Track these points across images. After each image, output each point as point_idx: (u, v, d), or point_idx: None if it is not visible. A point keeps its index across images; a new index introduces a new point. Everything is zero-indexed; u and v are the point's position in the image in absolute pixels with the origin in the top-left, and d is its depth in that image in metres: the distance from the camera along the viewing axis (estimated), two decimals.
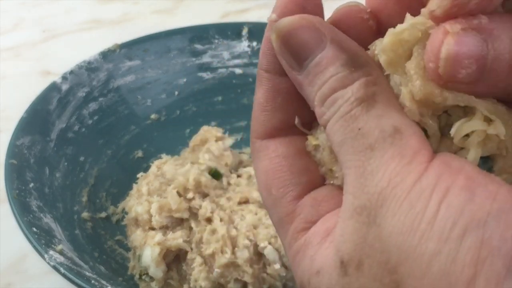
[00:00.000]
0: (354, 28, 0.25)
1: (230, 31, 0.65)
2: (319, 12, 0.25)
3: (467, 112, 0.23)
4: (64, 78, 0.58)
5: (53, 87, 0.57)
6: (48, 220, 0.47)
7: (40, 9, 0.84)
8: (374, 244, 0.21)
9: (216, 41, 0.64)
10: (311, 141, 0.25)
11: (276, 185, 0.25)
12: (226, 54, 0.64)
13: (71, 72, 0.59)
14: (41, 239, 0.44)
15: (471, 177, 0.21)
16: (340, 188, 0.25)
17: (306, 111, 0.25)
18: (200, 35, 0.65)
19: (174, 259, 0.49)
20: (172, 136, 0.61)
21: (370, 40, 0.25)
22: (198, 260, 0.47)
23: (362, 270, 0.21)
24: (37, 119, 0.54)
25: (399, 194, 0.21)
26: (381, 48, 0.23)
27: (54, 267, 0.42)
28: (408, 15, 0.23)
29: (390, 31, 0.23)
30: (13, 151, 0.50)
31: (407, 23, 0.23)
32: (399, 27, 0.23)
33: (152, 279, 0.49)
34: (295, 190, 0.25)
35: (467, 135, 0.23)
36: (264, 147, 0.26)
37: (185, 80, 0.63)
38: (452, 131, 0.23)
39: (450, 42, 0.21)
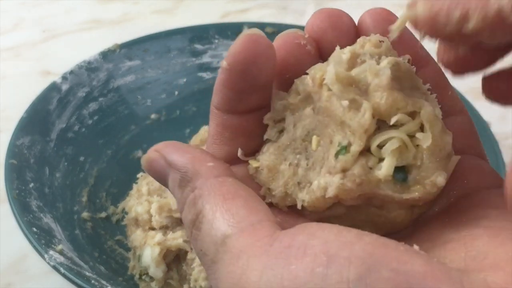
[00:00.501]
0: (292, 53, 0.26)
1: (230, 31, 0.65)
2: (270, 53, 0.25)
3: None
4: (64, 78, 0.58)
5: (53, 87, 0.57)
6: (48, 220, 0.47)
7: (40, 9, 0.84)
8: None
9: (216, 41, 0.64)
10: (252, 164, 0.27)
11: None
12: (226, 54, 0.64)
13: (71, 72, 0.59)
14: (41, 239, 0.44)
15: (318, 251, 0.20)
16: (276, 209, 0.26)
17: (251, 143, 0.27)
18: (200, 35, 0.65)
19: (174, 259, 0.49)
20: (172, 136, 0.61)
21: (309, 64, 0.26)
22: (198, 260, 0.47)
23: None
24: (37, 119, 0.54)
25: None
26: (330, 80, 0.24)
27: (54, 267, 0.42)
28: (336, 48, 0.25)
29: (331, 59, 0.25)
30: (13, 151, 0.50)
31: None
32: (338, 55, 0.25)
33: (152, 279, 0.49)
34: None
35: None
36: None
37: (185, 80, 0.63)
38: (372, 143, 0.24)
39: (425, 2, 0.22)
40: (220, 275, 0.22)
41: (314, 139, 0.25)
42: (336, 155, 0.24)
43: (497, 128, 0.55)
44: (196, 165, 0.25)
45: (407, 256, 0.20)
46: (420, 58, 0.26)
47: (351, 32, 0.26)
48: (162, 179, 0.26)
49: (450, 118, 0.27)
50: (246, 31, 0.25)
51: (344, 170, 0.23)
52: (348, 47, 0.25)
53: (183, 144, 0.27)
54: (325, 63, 0.25)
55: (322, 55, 0.26)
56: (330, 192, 0.23)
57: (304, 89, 0.25)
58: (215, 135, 0.27)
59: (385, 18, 0.26)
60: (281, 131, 0.26)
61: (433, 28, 0.22)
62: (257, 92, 0.26)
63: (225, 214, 0.23)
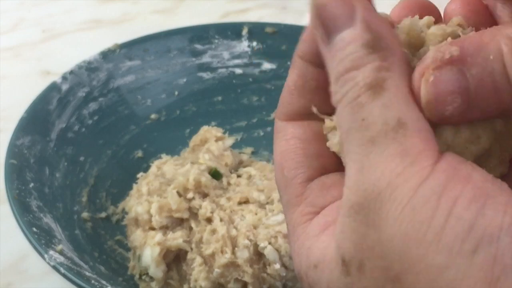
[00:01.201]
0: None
1: (230, 31, 0.65)
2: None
3: None
4: (64, 78, 0.58)
5: (53, 87, 0.57)
6: (48, 220, 0.47)
7: (40, 9, 0.84)
8: (374, 247, 0.20)
9: (216, 41, 0.65)
10: (328, 124, 0.25)
11: (288, 166, 0.25)
12: (226, 54, 0.64)
13: (71, 72, 0.59)
14: (41, 239, 0.44)
15: (480, 187, 0.20)
16: None
17: (329, 102, 0.24)
18: (200, 35, 0.65)
19: (174, 259, 0.49)
20: (172, 136, 0.61)
21: None
22: (198, 260, 0.47)
23: (363, 272, 0.21)
24: (37, 119, 0.54)
25: (400, 198, 0.20)
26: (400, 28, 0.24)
27: (54, 267, 0.42)
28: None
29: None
30: (13, 151, 0.50)
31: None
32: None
33: (152, 279, 0.49)
34: (307, 172, 0.25)
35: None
36: (283, 128, 0.26)
37: (185, 80, 0.63)
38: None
39: (426, 86, 0.21)
40: (373, 159, 0.21)
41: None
42: None
43: None
44: (392, 40, 0.23)
45: None
46: None
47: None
48: (330, 26, 0.23)
49: None
50: None
51: None
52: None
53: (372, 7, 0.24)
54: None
55: None
56: None
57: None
58: (293, 86, 0.25)
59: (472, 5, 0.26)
60: None
61: None
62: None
63: (408, 102, 0.21)
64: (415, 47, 0.24)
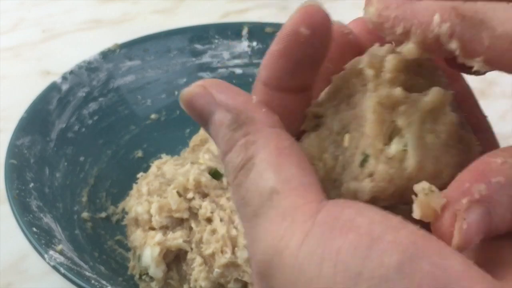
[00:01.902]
0: (335, 41, 0.25)
1: (230, 31, 0.65)
2: (329, 25, 0.25)
3: None
4: (64, 78, 0.58)
5: (53, 87, 0.57)
6: (48, 220, 0.47)
7: (40, 9, 0.84)
8: None
9: (216, 41, 0.65)
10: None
11: None
12: (226, 54, 0.64)
13: (71, 72, 0.59)
14: (41, 239, 0.44)
15: (364, 232, 0.20)
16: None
17: (292, 128, 0.25)
18: (200, 35, 0.65)
19: (174, 259, 0.49)
20: (172, 136, 0.61)
21: (348, 56, 0.26)
22: (198, 260, 0.47)
23: None
24: (37, 119, 0.54)
25: (287, 261, 0.20)
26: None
27: (54, 267, 0.42)
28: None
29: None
30: (13, 151, 0.50)
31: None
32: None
33: (152, 279, 0.49)
34: None
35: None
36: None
37: (185, 80, 0.63)
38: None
39: (460, 233, 0.21)
40: (259, 231, 0.22)
41: (346, 136, 0.24)
42: (361, 164, 0.23)
43: (497, 128, 0.54)
44: (251, 110, 0.24)
45: (447, 251, 0.19)
46: (451, 73, 0.26)
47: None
48: (201, 117, 0.25)
49: (477, 135, 0.26)
50: (304, 3, 0.24)
51: (371, 175, 0.23)
52: (386, 46, 0.25)
53: (229, 84, 0.26)
54: (364, 56, 0.25)
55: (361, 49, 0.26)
56: (363, 197, 0.23)
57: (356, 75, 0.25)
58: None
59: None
60: (317, 126, 0.26)
61: (381, 32, 0.23)
62: (312, 67, 0.25)
63: (277, 168, 0.22)
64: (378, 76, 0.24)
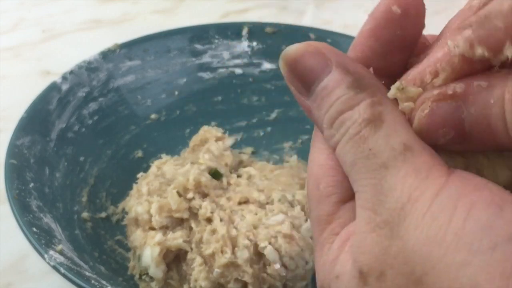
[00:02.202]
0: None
1: (230, 31, 0.65)
2: (423, 9, 0.25)
3: None
4: (64, 78, 0.58)
5: (53, 87, 0.57)
6: (48, 220, 0.47)
7: (40, 9, 0.84)
8: (397, 256, 0.21)
9: (216, 41, 0.65)
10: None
11: (326, 182, 0.25)
12: (226, 54, 0.64)
13: (71, 72, 0.59)
14: (41, 239, 0.44)
15: (496, 193, 0.21)
16: None
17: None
18: (200, 35, 0.65)
19: (174, 259, 0.49)
20: (172, 136, 0.61)
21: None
22: (198, 260, 0.47)
23: (384, 280, 0.22)
24: (37, 119, 0.54)
25: (420, 208, 0.21)
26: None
27: (54, 267, 0.42)
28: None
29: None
30: (13, 151, 0.50)
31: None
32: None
33: (152, 279, 0.49)
34: (344, 193, 0.25)
35: None
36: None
37: (185, 80, 0.63)
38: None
39: (420, 116, 0.23)
40: (389, 180, 0.22)
41: None
42: None
43: None
44: (372, 76, 0.24)
45: None
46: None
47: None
48: (308, 77, 0.24)
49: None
50: None
51: None
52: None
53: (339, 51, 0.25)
54: None
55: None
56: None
57: None
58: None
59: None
60: None
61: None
62: (402, 50, 0.25)
63: (409, 129, 0.23)
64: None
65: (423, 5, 0.24)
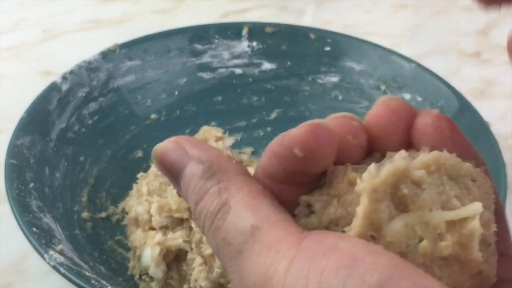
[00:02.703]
0: (342, 144, 0.25)
1: (230, 31, 0.65)
2: (333, 147, 0.25)
3: None
4: (64, 78, 0.58)
5: (53, 87, 0.57)
6: (48, 220, 0.47)
7: (40, 9, 0.84)
8: None
9: (216, 41, 0.65)
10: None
11: None
12: (226, 54, 0.64)
13: (71, 72, 0.59)
14: (41, 239, 0.44)
15: (346, 253, 0.21)
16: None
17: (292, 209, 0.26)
18: (200, 35, 0.65)
19: (174, 259, 0.49)
20: (172, 136, 0.61)
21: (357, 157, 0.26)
22: (198, 260, 0.47)
23: None
24: (37, 119, 0.54)
25: (275, 285, 0.21)
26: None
27: (54, 267, 0.42)
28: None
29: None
30: (13, 151, 0.50)
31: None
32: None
33: (152, 279, 0.49)
34: None
35: None
36: None
37: (185, 80, 0.63)
38: None
39: None
40: (246, 265, 0.22)
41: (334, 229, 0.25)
42: None
43: (497, 128, 0.55)
44: (222, 161, 0.25)
45: (425, 274, 0.20)
46: None
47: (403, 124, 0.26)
48: (173, 171, 0.26)
49: None
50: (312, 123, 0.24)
51: None
52: (421, 159, 0.24)
53: (201, 141, 0.27)
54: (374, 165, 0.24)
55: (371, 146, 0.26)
56: None
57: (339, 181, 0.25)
58: None
59: (447, 128, 0.25)
60: (311, 212, 0.26)
61: None
62: (306, 176, 0.25)
63: (254, 208, 0.23)
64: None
65: (332, 143, 0.24)
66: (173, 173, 0.26)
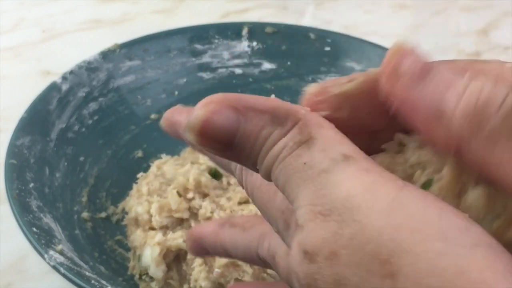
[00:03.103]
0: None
1: (230, 31, 0.65)
2: None
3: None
4: (64, 78, 0.58)
5: (53, 87, 0.57)
6: (48, 220, 0.47)
7: (40, 9, 0.84)
8: (354, 238, 0.20)
9: (216, 41, 0.65)
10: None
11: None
12: (226, 54, 0.64)
13: (71, 72, 0.59)
14: (41, 239, 0.44)
15: (458, 213, 0.20)
16: None
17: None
18: (200, 35, 0.65)
19: (174, 259, 0.49)
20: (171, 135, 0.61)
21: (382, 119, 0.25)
22: (198, 260, 0.47)
23: (337, 259, 0.21)
24: (37, 119, 0.54)
25: (382, 196, 0.20)
26: None
27: (54, 267, 0.42)
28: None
29: None
30: (13, 151, 0.50)
31: None
32: None
33: (152, 279, 0.49)
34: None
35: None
36: None
37: (185, 80, 0.63)
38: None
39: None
40: (334, 178, 0.21)
41: (418, 172, 0.24)
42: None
43: None
44: (286, 104, 0.23)
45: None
46: None
47: None
48: (223, 138, 0.22)
49: None
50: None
51: None
52: None
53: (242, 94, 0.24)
54: None
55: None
56: None
57: None
58: None
59: None
60: (398, 152, 0.25)
61: None
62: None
63: (342, 141, 0.22)
64: None
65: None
66: (224, 138, 0.22)
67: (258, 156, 0.23)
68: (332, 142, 0.22)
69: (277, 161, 0.22)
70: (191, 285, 0.48)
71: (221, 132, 0.22)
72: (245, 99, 0.23)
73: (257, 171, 0.24)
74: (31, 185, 0.49)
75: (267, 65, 0.64)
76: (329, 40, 0.63)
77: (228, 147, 0.23)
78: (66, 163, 0.54)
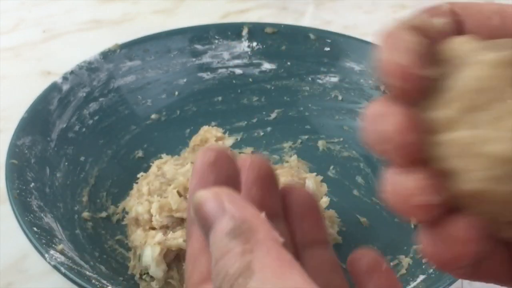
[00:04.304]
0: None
1: (230, 31, 0.65)
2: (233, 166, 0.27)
3: None
4: (64, 78, 0.58)
5: (53, 87, 0.57)
6: (48, 219, 0.47)
7: (40, 9, 0.84)
8: None
9: (216, 41, 0.65)
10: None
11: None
12: (226, 54, 0.64)
13: (72, 72, 0.59)
14: (42, 239, 0.44)
15: None
16: None
17: None
18: (200, 35, 0.65)
19: (175, 259, 0.49)
20: (172, 136, 0.61)
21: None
22: None
23: None
24: (37, 119, 0.54)
25: None
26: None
27: (55, 267, 0.42)
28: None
29: None
30: (14, 151, 0.50)
31: None
32: None
33: (152, 278, 0.49)
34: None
35: None
36: None
37: (185, 80, 0.63)
38: None
39: None
40: None
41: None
42: None
43: None
44: (256, 222, 0.24)
45: None
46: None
47: None
48: (206, 222, 0.25)
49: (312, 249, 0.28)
50: None
51: None
52: None
53: (241, 197, 0.26)
54: None
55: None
56: None
57: None
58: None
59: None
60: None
61: None
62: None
63: (281, 276, 0.22)
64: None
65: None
66: (205, 225, 0.25)
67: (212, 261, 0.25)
68: (271, 277, 0.22)
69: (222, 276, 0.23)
70: None
71: (204, 218, 0.25)
72: (236, 201, 0.25)
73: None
74: (32, 185, 0.49)
75: (267, 65, 0.64)
76: (329, 41, 0.63)
77: (207, 234, 0.25)
78: (66, 163, 0.54)
